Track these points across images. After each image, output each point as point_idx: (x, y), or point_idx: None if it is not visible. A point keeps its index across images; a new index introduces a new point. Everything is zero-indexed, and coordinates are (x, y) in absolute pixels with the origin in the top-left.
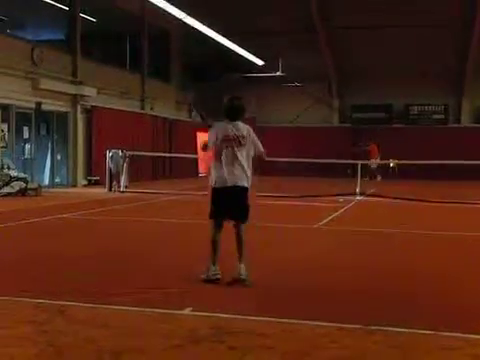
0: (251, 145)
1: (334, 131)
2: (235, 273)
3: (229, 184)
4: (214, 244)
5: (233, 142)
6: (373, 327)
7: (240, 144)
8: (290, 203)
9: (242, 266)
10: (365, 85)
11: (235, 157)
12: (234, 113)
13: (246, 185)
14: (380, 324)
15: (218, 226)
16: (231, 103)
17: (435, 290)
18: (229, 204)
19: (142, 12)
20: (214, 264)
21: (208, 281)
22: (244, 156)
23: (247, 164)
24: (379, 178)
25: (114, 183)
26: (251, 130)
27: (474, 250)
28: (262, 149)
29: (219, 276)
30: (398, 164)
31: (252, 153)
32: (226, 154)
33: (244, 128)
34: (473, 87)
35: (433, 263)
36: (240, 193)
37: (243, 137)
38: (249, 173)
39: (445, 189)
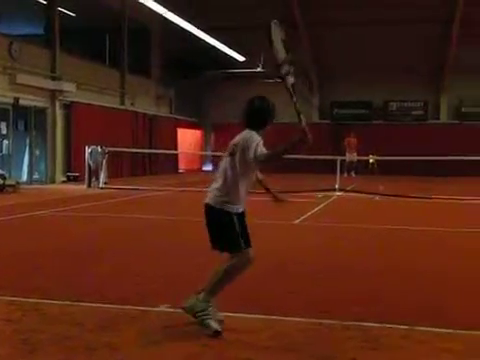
0: (241, 154)
1: (314, 128)
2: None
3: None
4: None
5: (228, 152)
6: (349, 322)
7: (227, 154)
8: (268, 199)
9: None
10: (345, 82)
11: (219, 169)
12: (246, 118)
13: (210, 202)
14: (356, 319)
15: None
16: (246, 106)
17: (412, 286)
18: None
19: (122, 7)
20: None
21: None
22: (223, 168)
23: (224, 178)
24: (353, 174)
25: (93, 179)
26: (250, 136)
27: (450, 245)
28: (252, 155)
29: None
30: (377, 160)
31: (239, 166)
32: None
33: (241, 136)
34: (452, 84)
35: (410, 258)
36: (208, 212)
37: (233, 146)
38: (221, 188)
39: (423, 185)
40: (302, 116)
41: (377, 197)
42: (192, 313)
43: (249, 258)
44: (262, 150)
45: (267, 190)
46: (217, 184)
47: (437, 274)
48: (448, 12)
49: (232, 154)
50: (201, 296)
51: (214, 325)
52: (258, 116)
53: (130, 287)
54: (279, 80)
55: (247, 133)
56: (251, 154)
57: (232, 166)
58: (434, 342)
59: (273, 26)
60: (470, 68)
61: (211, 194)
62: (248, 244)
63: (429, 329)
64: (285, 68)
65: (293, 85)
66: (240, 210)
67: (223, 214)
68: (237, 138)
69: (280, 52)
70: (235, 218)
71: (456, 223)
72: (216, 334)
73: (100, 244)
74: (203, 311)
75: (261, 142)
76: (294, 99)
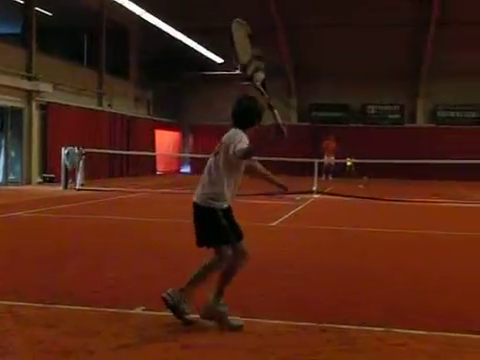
0: (225, 153)
1: (292, 130)
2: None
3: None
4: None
5: (214, 152)
6: (326, 325)
7: (213, 153)
8: (246, 201)
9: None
10: (323, 84)
11: (206, 168)
12: (233, 117)
13: (196, 200)
14: (333, 322)
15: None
16: (234, 105)
17: (387, 288)
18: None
19: (100, 8)
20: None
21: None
22: (208, 167)
23: (209, 177)
24: (330, 177)
25: (70, 181)
26: (235, 134)
27: (424, 248)
28: (231, 151)
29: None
30: (354, 163)
31: (222, 165)
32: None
33: (227, 135)
34: (428, 88)
35: (386, 261)
36: (195, 210)
37: (219, 145)
38: (207, 187)
39: (399, 188)
40: (276, 111)
41: (348, 199)
42: (210, 318)
43: (242, 251)
44: (241, 146)
45: (267, 178)
46: (203, 183)
47: (411, 275)
48: (424, 17)
49: (217, 153)
50: (212, 301)
51: (233, 322)
52: (245, 115)
53: (106, 289)
54: (246, 82)
55: (233, 132)
56: (231, 151)
57: (216, 165)
58: (410, 344)
59: (235, 25)
60: (446, 73)
61: (198, 192)
62: (239, 238)
63: (405, 331)
64: (254, 64)
65: (263, 81)
66: (225, 206)
67: (209, 211)
68: (224, 137)
69: (245, 51)
70: (220, 213)
71: (430, 225)
72: (240, 328)
73: (76, 246)
74: (221, 313)
75: (244, 139)
76: (266, 96)
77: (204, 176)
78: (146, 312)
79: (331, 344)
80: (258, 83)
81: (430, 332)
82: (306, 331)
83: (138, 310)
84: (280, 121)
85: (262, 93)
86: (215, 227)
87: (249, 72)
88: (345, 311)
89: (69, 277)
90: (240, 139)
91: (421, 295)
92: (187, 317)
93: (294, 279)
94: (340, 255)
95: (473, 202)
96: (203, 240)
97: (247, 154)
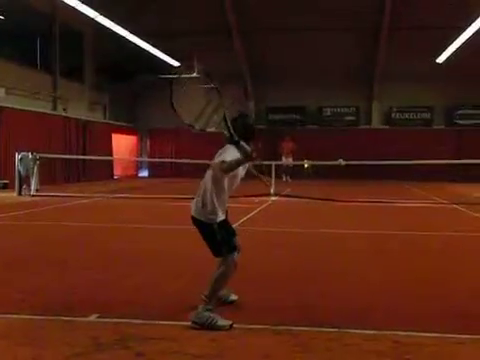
0: (214, 169)
1: None
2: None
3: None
4: None
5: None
6: (279, 327)
7: (208, 168)
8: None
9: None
10: (280, 87)
11: (202, 181)
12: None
13: (195, 215)
14: (286, 324)
15: None
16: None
17: (340, 288)
18: None
19: (53, 10)
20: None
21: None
22: (203, 181)
23: (203, 190)
24: (289, 179)
25: (24, 187)
26: (225, 149)
27: (378, 247)
28: (217, 167)
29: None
30: (312, 165)
31: (212, 179)
32: None
33: (221, 150)
34: (382, 90)
35: (338, 262)
36: (193, 223)
37: (213, 160)
38: (201, 200)
39: (356, 188)
40: (242, 143)
41: (306, 201)
42: (201, 325)
43: (234, 263)
44: (225, 162)
45: (258, 177)
46: (198, 196)
47: (362, 276)
48: (377, 21)
49: (209, 169)
50: (200, 308)
51: (223, 322)
52: (240, 133)
53: (59, 297)
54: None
55: (226, 148)
56: (216, 166)
57: (208, 180)
58: (361, 344)
59: (179, 79)
60: (399, 76)
61: (194, 206)
62: (232, 249)
63: (357, 331)
64: (217, 101)
65: (225, 117)
66: (220, 219)
67: (205, 225)
68: (218, 152)
69: (198, 102)
70: (216, 226)
71: (383, 226)
72: (231, 327)
73: (28, 253)
74: (209, 318)
75: (233, 154)
76: (226, 135)
77: (199, 190)
78: (100, 319)
79: (283, 346)
80: (218, 127)
81: (380, 331)
82: (258, 333)
83: (92, 318)
84: (249, 150)
85: (230, 133)
86: (211, 241)
87: (198, 126)
88: (297, 313)
89: (21, 286)
90: (229, 154)
91: (371, 295)
92: (230, 299)
93: (245, 283)
94: (292, 257)
95: (430, 202)
96: (212, 251)
97: (229, 168)
